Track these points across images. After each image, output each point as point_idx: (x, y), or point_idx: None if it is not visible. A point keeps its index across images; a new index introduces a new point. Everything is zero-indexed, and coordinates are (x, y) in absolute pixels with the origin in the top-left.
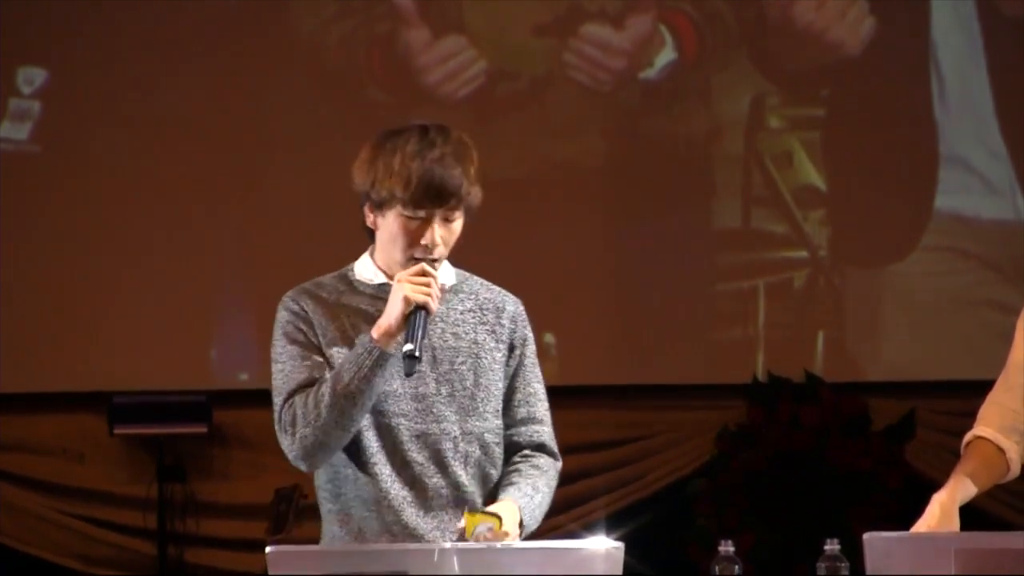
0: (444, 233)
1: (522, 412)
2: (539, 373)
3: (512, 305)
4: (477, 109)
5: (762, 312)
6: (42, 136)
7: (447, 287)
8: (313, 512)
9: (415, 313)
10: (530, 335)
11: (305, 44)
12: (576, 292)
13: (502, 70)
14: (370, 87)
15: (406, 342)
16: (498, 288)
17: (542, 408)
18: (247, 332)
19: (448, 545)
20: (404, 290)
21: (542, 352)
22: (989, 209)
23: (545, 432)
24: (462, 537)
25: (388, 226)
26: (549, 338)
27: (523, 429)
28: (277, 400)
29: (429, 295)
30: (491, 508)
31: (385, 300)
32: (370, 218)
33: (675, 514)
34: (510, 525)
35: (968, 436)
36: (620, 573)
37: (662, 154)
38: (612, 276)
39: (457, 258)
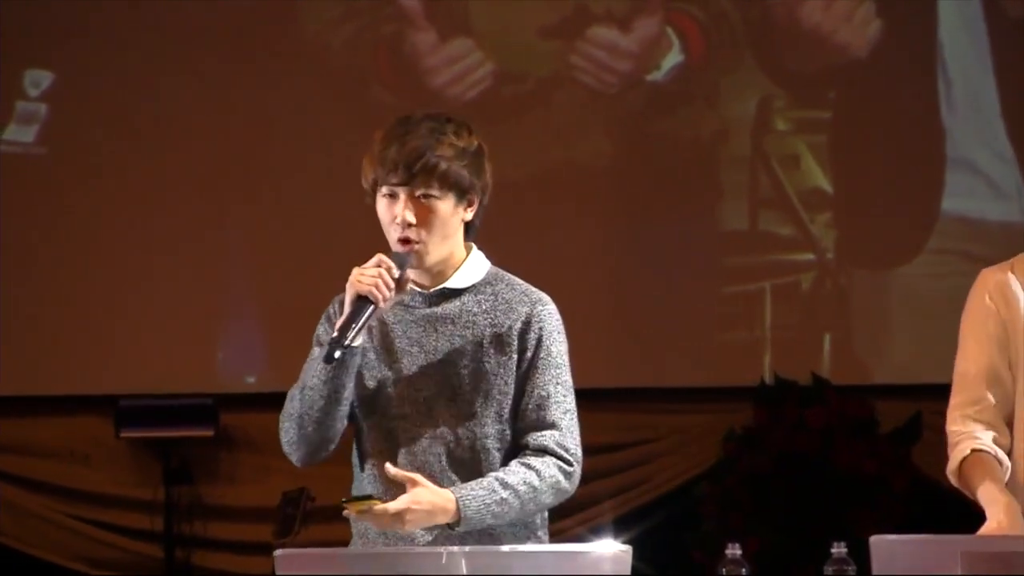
0: (419, 211)
1: (531, 417)
2: (559, 375)
3: (528, 305)
4: (484, 111)
5: (769, 314)
6: (48, 139)
7: (468, 287)
8: (319, 515)
9: (360, 303)
10: (548, 336)
11: (311, 46)
12: (582, 294)
13: (509, 72)
14: (376, 89)
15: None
16: (524, 287)
17: (557, 412)
18: (254, 335)
19: (456, 548)
20: (352, 278)
21: None
22: (995, 212)
23: (553, 436)
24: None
25: (378, 212)
26: None
27: (531, 435)
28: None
29: (373, 284)
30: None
31: (401, 304)
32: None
33: (682, 517)
34: (397, 504)
35: (955, 461)
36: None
37: (669, 156)
38: (618, 278)
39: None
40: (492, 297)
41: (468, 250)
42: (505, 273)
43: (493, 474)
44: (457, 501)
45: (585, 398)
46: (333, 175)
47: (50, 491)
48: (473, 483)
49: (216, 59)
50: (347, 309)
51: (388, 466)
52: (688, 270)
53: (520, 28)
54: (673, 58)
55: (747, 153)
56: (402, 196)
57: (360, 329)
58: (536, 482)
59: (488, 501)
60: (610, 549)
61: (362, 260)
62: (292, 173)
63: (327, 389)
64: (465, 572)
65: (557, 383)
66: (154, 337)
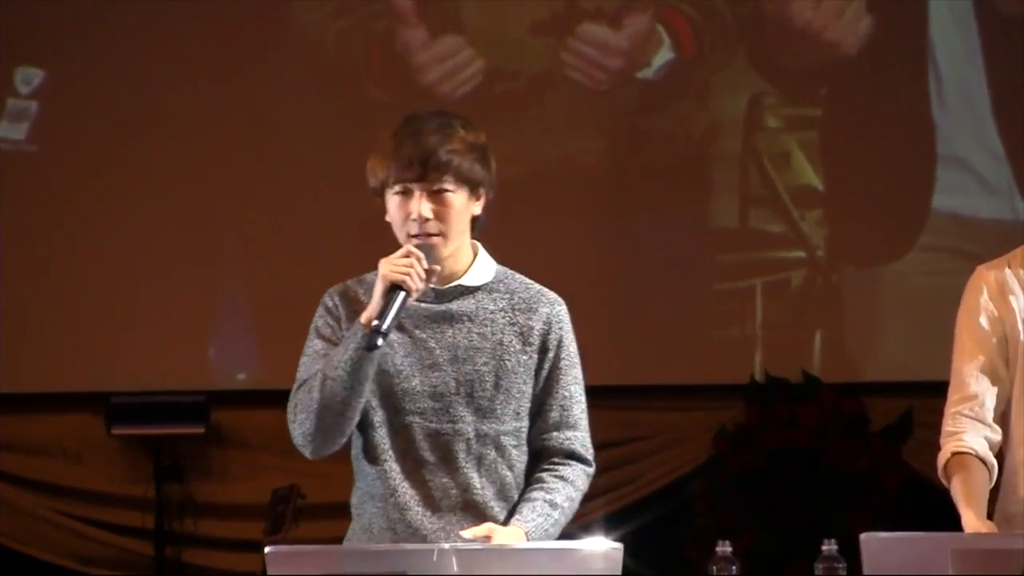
0: (435, 207)
1: (555, 416)
2: (577, 375)
3: (547, 306)
4: (475, 108)
5: (759, 312)
6: (39, 136)
7: (482, 284)
8: (311, 512)
9: (393, 292)
10: (567, 336)
11: (303, 43)
12: (571, 291)
13: (500, 69)
14: (368, 86)
15: (375, 318)
16: (538, 287)
17: (577, 411)
18: (245, 332)
19: (447, 546)
20: (383, 269)
21: None
22: (987, 209)
23: (578, 438)
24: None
25: (389, 210)
26: None
27: (555, 435)
28: (293, 390)
29: (407, 274)
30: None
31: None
32: (385, 213)
33: (673, 514)
34: (478, 531)
35: (940, 464)
36: (619, 573)
37: (659, 154)
38: (609, 276)
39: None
40: (508, 295)
41: (474, 247)
42: (512, 271)
43: (541, 496)
44: (526, 535)
45: None
46: (325, 172)
47: (41, 488)
48: (528, 510)
49: (208, 56)
50: (377, 298)
51: (463, 533)
52: (678, 267)
53: (511, 25)
54: (664, 55)
55: (738, 150)
56: (417, 192)
57: (396, 317)
58: (575, 495)
59: (546, 526)
60: (601, 547)
61: (354, 256)
62: (284, 170)
63: (352, 380)
64: (456, 570)
65: (576, 383)
66: (146, 334)
